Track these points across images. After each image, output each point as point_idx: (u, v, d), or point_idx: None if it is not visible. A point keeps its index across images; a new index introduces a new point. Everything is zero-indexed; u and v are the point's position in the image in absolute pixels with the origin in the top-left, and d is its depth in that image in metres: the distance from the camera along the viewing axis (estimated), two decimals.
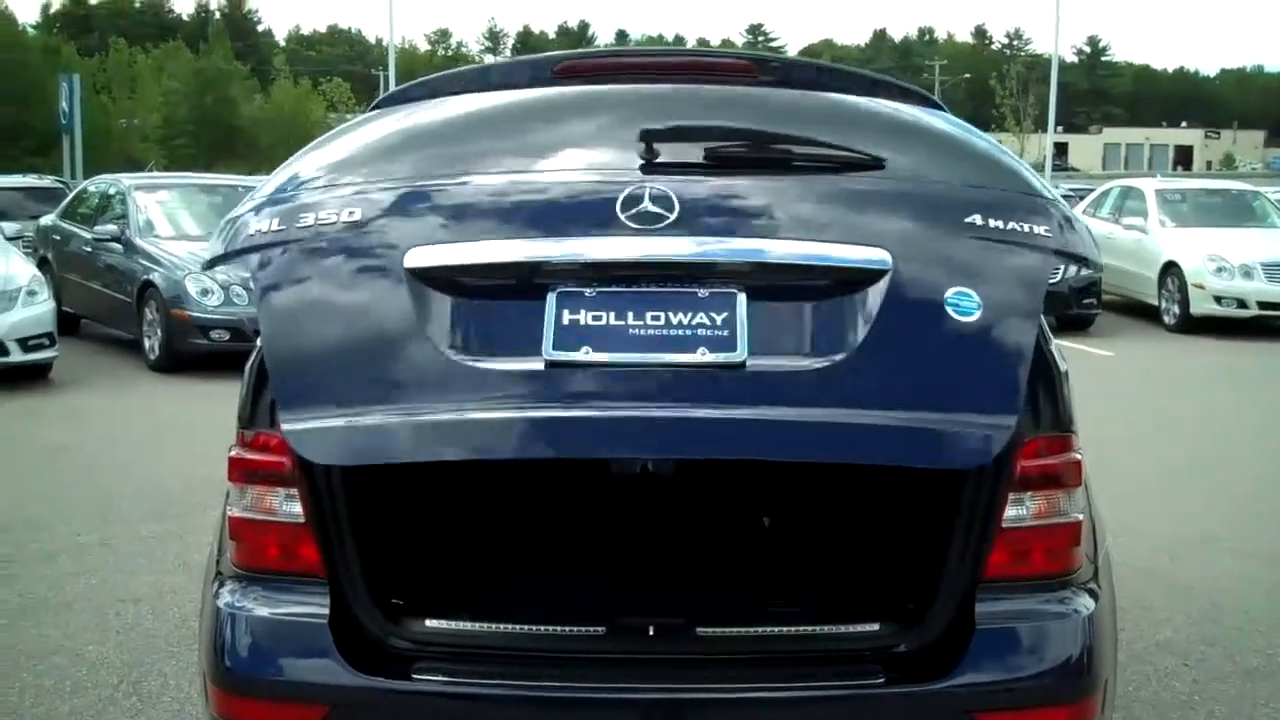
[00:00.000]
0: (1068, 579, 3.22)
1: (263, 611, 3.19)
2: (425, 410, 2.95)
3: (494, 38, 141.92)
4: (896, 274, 3.03)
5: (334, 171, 3.47)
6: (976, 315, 2.99)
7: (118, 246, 14.09)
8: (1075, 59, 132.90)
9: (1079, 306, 16.53)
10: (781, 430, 2.91)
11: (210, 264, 3.43)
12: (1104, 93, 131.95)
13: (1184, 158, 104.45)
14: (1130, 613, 5.77)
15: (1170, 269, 17.24)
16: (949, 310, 3.00)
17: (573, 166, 3.43)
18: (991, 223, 3.17)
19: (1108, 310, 17.64)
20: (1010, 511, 3.15)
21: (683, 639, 3.27)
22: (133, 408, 11.49)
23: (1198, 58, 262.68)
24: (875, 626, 3.27)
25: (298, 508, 3.18)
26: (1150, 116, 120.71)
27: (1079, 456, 3.23)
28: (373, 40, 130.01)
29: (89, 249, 14.71)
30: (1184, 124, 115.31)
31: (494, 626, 3.31)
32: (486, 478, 4.62)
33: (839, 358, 2.97)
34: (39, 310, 12.39)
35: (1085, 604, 3.20)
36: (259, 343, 3.34)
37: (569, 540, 4.23)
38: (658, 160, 3.29)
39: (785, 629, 3.32)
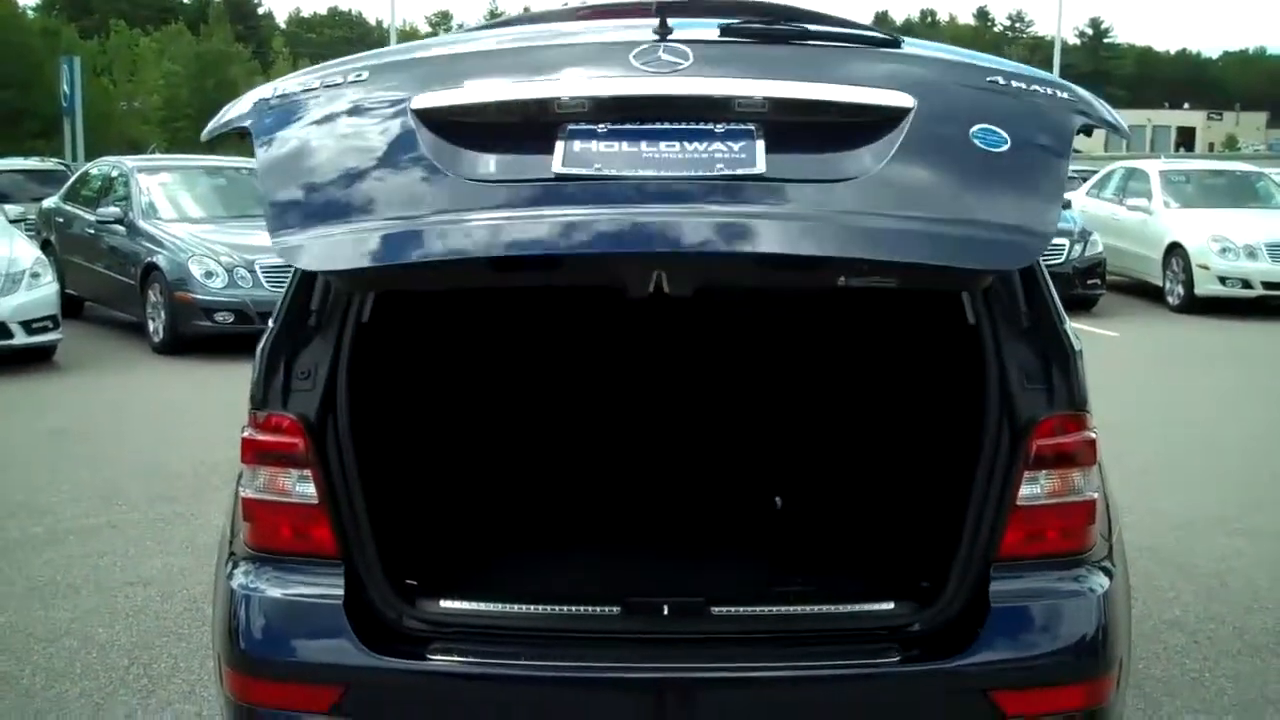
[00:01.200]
0: (1082, 558, 3.22)
1: (276, 592, 3.19)
2: (425, 218, 2.84)
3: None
4: (920, 113, 2.96)
5: (344, 67, 3.37)
6: (1004, 148, 2.92)
7: (121, 229, 14.04)
8: (1077, 41, 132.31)
9: (1083, 287, 16.48)
10: (809, 227, 2.80)
11: (211, 133, 3.31)
12: (1106, 74, 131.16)
13: (1186, 139, 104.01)
14: (1139, 591, 5.76)
15: (1174, 249, 17.18)
16: (976, 143, 2.93)
17: (586, 42, 3.39)
18: (1014, 84, 3.14)
19: (1112, 291, 17.60)
20: (1025, 490, 3.15)
21: (697, 618, 3.27)
22: (137, 390, 11.49)
23: (1200, 39, 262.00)
24: (890, 605, 3.27)
25: (311, 489, 3.18)
26: (1152, 98, 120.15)
27: (1093, 435, 3.23)
28: (373, 22, 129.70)
29: (92, 231, 14.67)
30: (1186, 105, 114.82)
31: (508, 607, 3.31)
32: (501, 445, 4.62)
33: (868, 175, 2.87)
34: (43, 293, 12.38)
35: (1100, 582, 3.20)
36: (270, 324, 3.34)
37: (582, 519, 4.22)
38: (672, 35, 3.18)
39: (800, 608, 3.32)
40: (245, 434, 3.27)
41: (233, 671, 3.20)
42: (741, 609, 3.31)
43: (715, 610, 3.29)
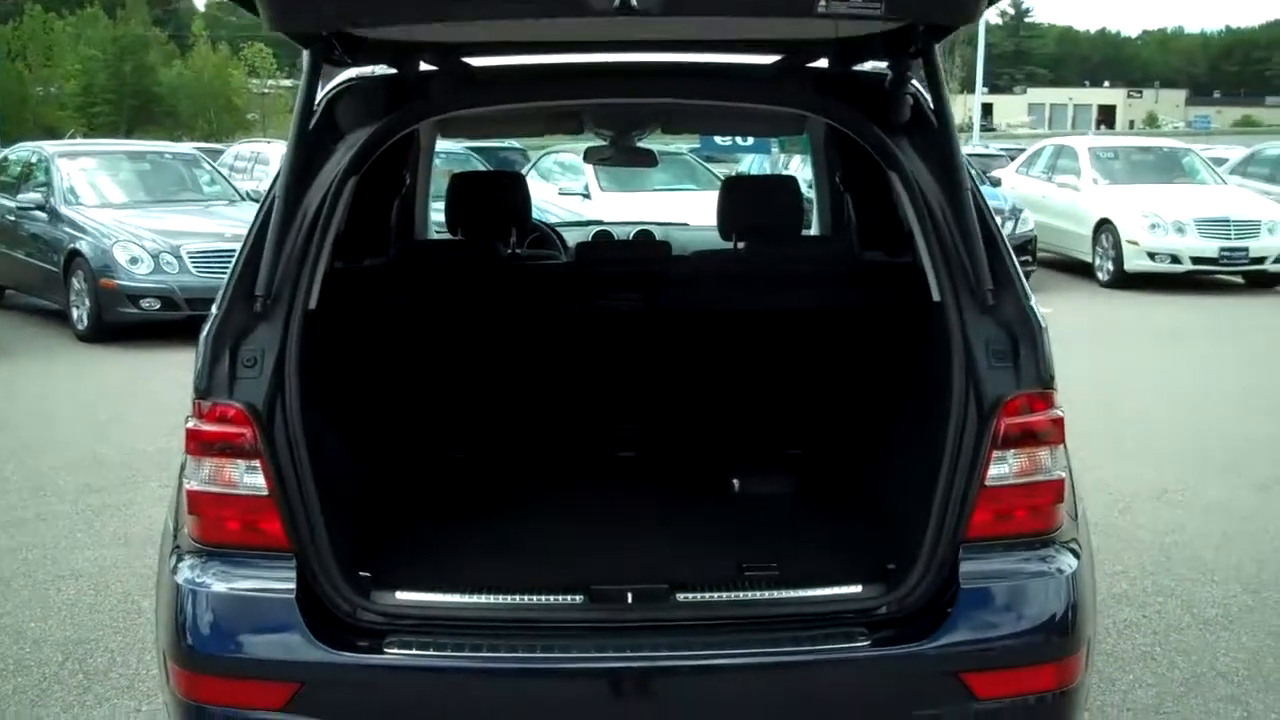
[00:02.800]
0: (1051, 537, 3.18)
1: (225, 587, 3.08)
2: None
3: None
4: None
5: None
6: None
7: (42, 215, 13.76)
8: (999, 21, 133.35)
9: None
10: None
11: None
12: (1027, 54, 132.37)
13: (1107, 117, 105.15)
14: None
15: (1104, 226, 17.30)
16: None
17: None
18: None
19: (1042, 268, 17.68)
20: (993, 470, 3.10)
21: (662, 605, 3.19)
22: (62, 379, 11.21)
23: (1119, 19, 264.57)
24: (857, 588, 3.21)
25: (260, 480, 3.07)
26: (1073, 77, 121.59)
27: (1061, 413, 3.18)
28: None
29: (13, 218, 14.31)
30: (1107, 84, 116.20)
31: (467, 598, 3.22)
32: (458, 432, 4.52)
33: None
34: None
35: (1068, 562, 3.16)
36: (213, 310, 3.22)
37: (543, 506, 4.13)
38: None
39: (766, 593, 3.25)
40: (190, 424, 3.14)
41: (180, 669, 3.09)
42: (707, 595, 3.23)
43: (680, 597, 3.21)
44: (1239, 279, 17.22)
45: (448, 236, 4.97)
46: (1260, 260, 16.60)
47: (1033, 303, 3.26)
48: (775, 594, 3.24)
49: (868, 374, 4.24)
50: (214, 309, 3.22)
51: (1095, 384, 10.33)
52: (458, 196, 4.78)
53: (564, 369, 4.61)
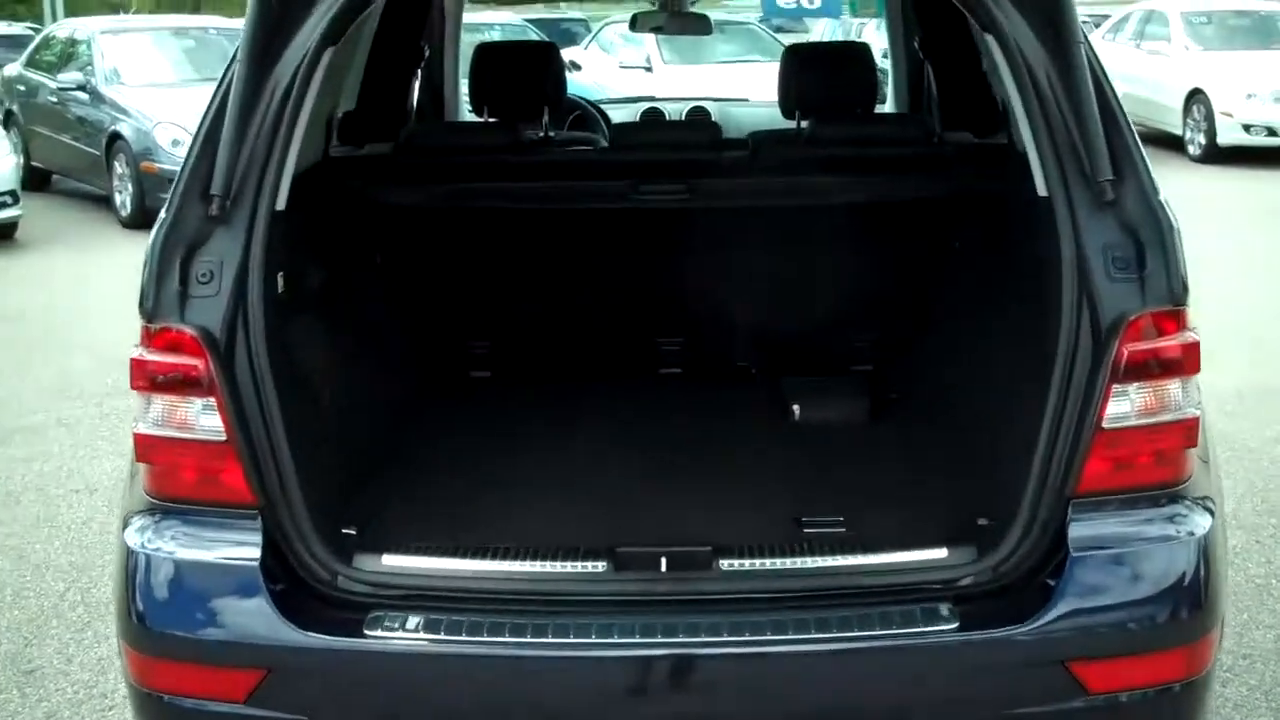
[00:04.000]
0: (1179, 491, 2.65)
1: (178, 552, 2.64)
2: None
3: None
4: None
5: None
6: None
7: (84, 96, 13.49)
8: None
9: None
10: None
11: None
12: None
13: None
14: None
15: (1196, 96, 16.47)
16: None
17: None
18: None
19: None
20: (1111, 408, 2.56)
21: (703, 574, 2.67)
22: (102, 270, 10.82)
23: None
24: (942, 552, 2.67)
25: (217, 421, 2.57)
26: None
27: (1196, 336, 2.62)
28: None
29: (55, 100, 14.09)
30: None
31: (467, 564, 2.72)
32: (458, 359, 4.03)
33: None
34: None
35: (1200, 523, 2.64)
36: (161, 214, 2.72)
37: (566, 443, 3.59)
38: None
39: (830, 560, 2.72)
40: (134, 353, 2.68)
41: (131, 650, 2.66)
42: (756, 562, 2.71)
43: (725, 564, 2.70)
44: None
45: (474, 119, 4.45)
46: None
47: (1161, 197, 2.68)
48: (840, 560, 2.71)
49: (953, 282, 3.69)
50: (162, 212, 2.72)
51: (1192, 272, 9.66)
52: (482, 72, 4.26)
53: (597, 275, 4.10)
